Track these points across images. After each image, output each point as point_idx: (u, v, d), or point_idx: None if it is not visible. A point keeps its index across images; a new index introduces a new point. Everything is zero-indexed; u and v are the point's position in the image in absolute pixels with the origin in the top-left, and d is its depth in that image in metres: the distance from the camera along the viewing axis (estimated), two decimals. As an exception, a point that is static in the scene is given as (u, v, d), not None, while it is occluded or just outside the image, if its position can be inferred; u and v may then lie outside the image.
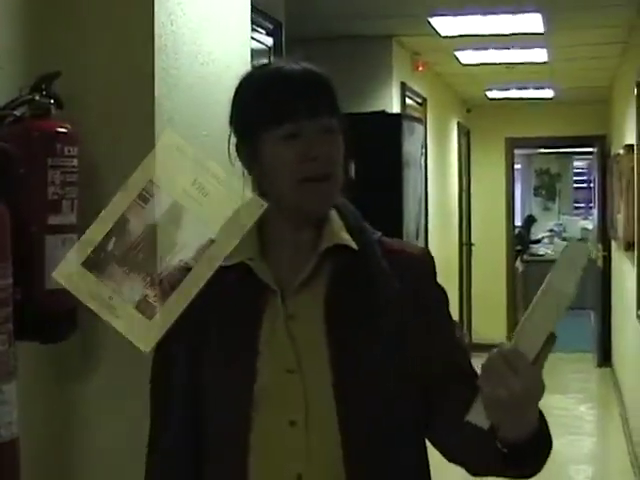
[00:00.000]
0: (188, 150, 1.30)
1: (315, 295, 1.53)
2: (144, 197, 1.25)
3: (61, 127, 2.12)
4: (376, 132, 5.51)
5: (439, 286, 1.62)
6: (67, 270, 1.24)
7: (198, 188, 1.27)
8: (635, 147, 6.61)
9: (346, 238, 1.55)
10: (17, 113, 2.11)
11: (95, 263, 1.24)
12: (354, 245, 1.55)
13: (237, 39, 3.02)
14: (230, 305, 1.54)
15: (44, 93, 2.14)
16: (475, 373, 1.42)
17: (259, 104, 1.53)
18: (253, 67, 1.78)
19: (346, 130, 1.57)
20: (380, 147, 5.51)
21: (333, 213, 1.58)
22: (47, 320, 2.04)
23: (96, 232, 1.25)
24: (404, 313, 1.54)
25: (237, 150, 1.57)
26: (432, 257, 1.64)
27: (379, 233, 1.62)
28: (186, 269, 1.42)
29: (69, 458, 2.36)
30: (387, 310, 1.53)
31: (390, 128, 5.85)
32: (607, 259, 10.14)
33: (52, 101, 2.15)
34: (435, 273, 1.63)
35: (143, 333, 1.28)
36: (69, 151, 2.10)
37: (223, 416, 1.53)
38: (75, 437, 2.36)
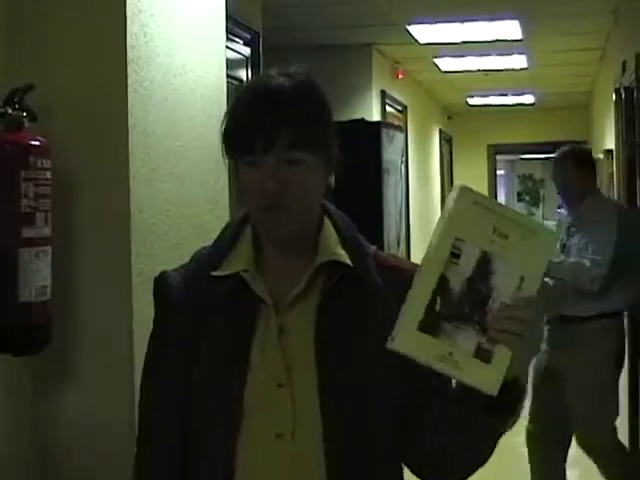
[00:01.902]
0: (484, 201, 1.38)
1: (308, 309, 1.53)
2: (455, 254, 1.35)
3: (34, 140, 2.12)
4: (355, 140, 5.50)
5: None
6: (407, 338, 1.33)
7: (499, 234, 1.37)
8: (614, 152, 6.65)
9: (341, 254, 1.56)
10: (-10, 126, 2.11)
11: (427, 326, 1.34)
12: (349, 261, 1.56)
13: (212, 49, 3.03)
14: (223, 316, 1.54)
15: (17, 106, 2.14)
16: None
17: (228, 129, 1.53)
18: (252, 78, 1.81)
19: (329, 150, 1.55)
20: (359, 155, 5.49)
21: (329, 225, 1.59)
22: (21, 332, 2.04)
23: (419, 298, 1.35)
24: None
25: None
26: None
27: (373, 247, 1.63)
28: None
29: (45, 470, 2.35)
30: (379, 327, 1.53)
31: (369, 136, 5.86)
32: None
33: (25, 114, 2.14)
34: None
35: (487, 378, 1.36)
36: (42, 164, 2.10)
37: (211, 426, 1.53)
38: (50, 449, 2.35)
